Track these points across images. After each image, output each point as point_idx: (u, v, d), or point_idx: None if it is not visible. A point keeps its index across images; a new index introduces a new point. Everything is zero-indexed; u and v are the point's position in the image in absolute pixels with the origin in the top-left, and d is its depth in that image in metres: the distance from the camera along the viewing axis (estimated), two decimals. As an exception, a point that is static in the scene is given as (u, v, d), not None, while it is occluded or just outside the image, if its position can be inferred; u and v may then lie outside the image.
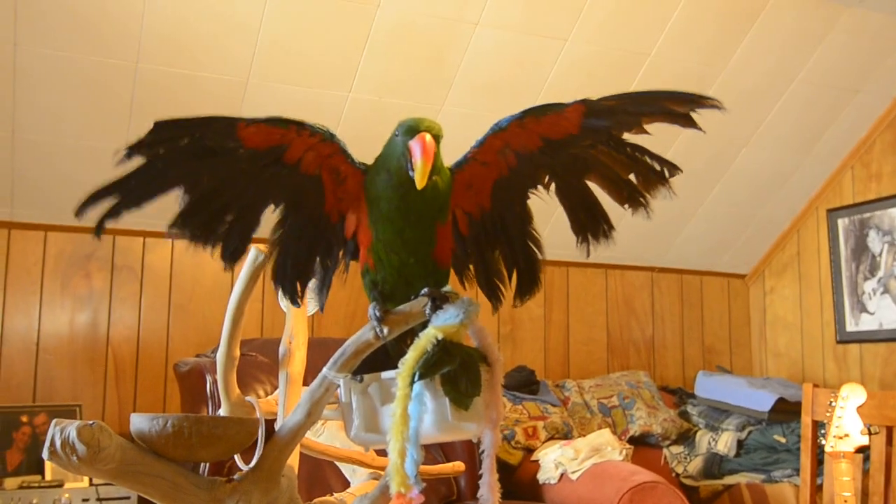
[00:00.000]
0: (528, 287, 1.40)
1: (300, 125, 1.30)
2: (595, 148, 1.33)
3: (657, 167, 1.33)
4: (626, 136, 1.32)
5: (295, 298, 1.37)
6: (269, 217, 1.37)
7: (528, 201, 1.41)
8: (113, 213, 1.26)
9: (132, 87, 3.02)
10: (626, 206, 1.35)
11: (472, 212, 1.40)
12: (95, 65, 2.94)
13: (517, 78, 3.48)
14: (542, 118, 1.30)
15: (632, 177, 1.34)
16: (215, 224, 1.31)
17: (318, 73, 3.22)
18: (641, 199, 1.34)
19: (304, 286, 1.37)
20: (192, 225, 1.29)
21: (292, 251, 1.35)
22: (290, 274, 1.35)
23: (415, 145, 1.23)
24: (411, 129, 1.26)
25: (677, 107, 1.29)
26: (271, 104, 3.21)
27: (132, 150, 1.24)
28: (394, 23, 3.14)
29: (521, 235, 1.40)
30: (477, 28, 3.24)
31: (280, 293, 1.36)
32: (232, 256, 1.33)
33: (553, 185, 1.37)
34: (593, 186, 1.37)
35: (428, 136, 1.24)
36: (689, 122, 1.29)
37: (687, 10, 3.41)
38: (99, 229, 1.27)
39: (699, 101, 1.28)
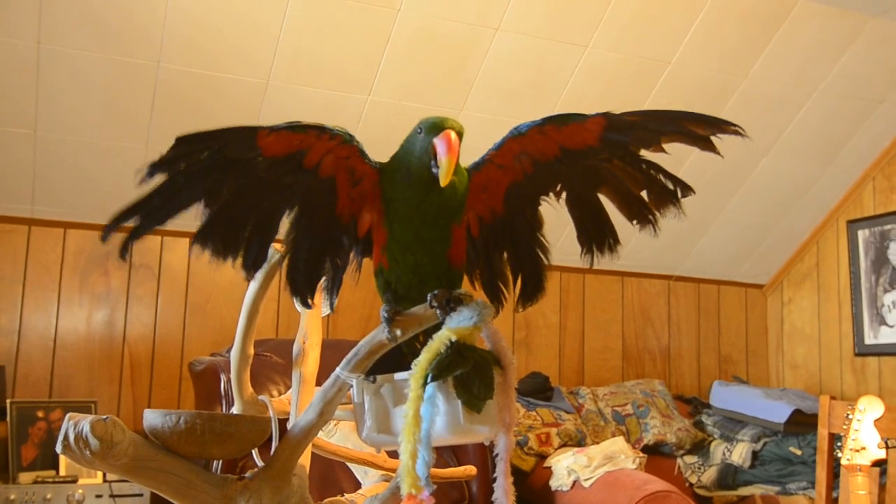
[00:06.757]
0: (531, 292, 1.40)
1: (320, 129, 1.29)
2: (611, 162, 1.33)
3: (671, 186, 1.33)
4: (644, 153, 1.32)
5: (305, 300, 1.36)
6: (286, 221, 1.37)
7: (540, 208, 1.40)
8: (137, 233, 1.28)
9: (153, 88, 3.04)
10: (635, 222, 1.35)
11: (484, 214, 1.39)
12: (117, 64, 2.97)
13: (537, 83, 3.48)
14: (563, 127, 1.30)
15: (644, 194, 1.34)
16: (235, 237, 1.31)
17: (337, 75, 3.22)
18: (650, 217, 1.35)
19: (313, 287, 1.36)
20: (213, 240, 1.29)
21: (304, 252, 1.34)
22: (301, 274, 1.35)
23: (440, 143, 1.23)
24: (435, 126, 1.26)
25: (698, 129, 1.29)
26: (291, 106, 3.22)
27: (154, 168, 1.23)
28: (414, 27, 3.14)
29: (529, 241, 1.40)
30: (497, 33, 3.24)
31: (291, 293, 1.36)
32: (253, 266, 1.33)
33: (564, 195, 1.38)
34: (604, 200, 1.38)
35: (453, 134, 1.24)
36: (709, 146, 1.29)
37: (709, 17, 3.40)
38: (124, 250, 1.29)
39: (721, 125, 1.28)
